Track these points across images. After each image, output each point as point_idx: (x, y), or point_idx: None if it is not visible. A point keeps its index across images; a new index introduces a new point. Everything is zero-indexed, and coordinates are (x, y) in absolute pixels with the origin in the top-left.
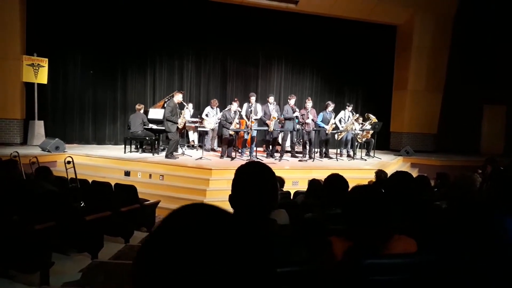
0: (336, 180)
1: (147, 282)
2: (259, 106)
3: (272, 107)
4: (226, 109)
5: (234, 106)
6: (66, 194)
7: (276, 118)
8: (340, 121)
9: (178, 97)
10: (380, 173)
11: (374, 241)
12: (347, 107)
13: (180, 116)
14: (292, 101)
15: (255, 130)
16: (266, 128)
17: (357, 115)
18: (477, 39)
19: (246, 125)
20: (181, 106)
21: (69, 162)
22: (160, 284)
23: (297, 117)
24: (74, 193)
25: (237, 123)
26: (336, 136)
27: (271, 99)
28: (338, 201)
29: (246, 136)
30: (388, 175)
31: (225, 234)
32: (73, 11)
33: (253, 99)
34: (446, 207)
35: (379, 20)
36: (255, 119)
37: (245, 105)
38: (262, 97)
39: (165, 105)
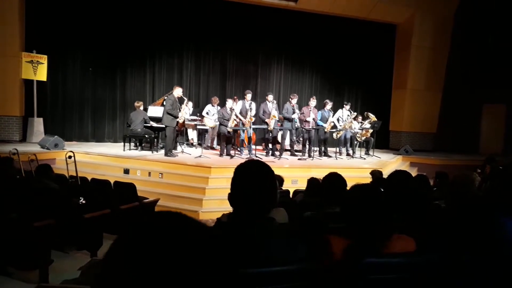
0: (334, 179)
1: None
2: (253, 104)
3: (271, 106)
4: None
5: (229, 103)
6: (66, 192)
7: (276, 117)
8: (338, 120)
9: (177, 91)
10: (375, 172)
11: (373, 240)
12: (344, 105)
13: (180, 110)
14: (294, 101)
15: (251, 128)
16: (264, 126)
17: (355, 113)
18: (476, 38)
19: (242, 123)
20: (181, 101)
21: (70, 157)
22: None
23: (298, 114)
24: (74, 189)
25: (235, 120)
26: (334, 135)
27: (270, 97)
28: (337, 200)
29: (242, 134)
30: (385, 174)
31: (187, 244)
32: (73, 8)
33: (248, 96)
34: (445, 206)
35: (379, 19)
36: (252, 117)
37: (240, 103)
38: (262, 95)
39: (165, 100)
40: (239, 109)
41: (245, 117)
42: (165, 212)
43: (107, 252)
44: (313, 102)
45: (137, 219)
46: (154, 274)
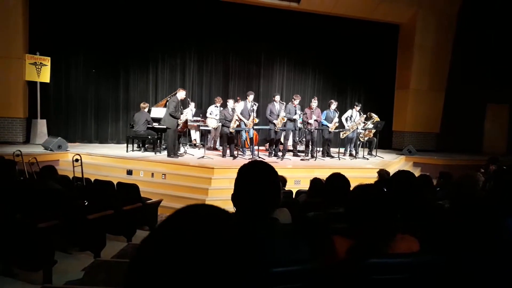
0: (337, 179)
1: (142, 279)
2: (255, 104)
3: (278, 107)
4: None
5: (230, 103)
6: (70, 193)
7: (286, 119)
8: (346, 119)
9: (181, 94)
10: (383, 172)
11: (377, 240)
12: (355, 106)
13: (182, 113)
14: (296, 101)
15: (253, 129)
16: (268, 127)
17: (364, 115)
18: (480, 38)
19: (245, 123)
20: (184, 103)
21: (77, 160)
22: (154, 282)
23: (299, 115)
24: (79, 192)
25: (237, 120)
26: (341, 134)
27: (277, 98)
28: (340, 200)
29: (243, 135)
30: (391, 174)
31: (222, 235)
32: (76, 10)
33: (251, 97)
34: (449, 206)
35: (382, 19)
36: (255, 118)
37: (242, 103)
38: (264, 96)
39: (168, 102)
40: (240, 109)
41: (246, 118)
42: (200, 206)
43: (139, 246)
44: (314, 103)
45: (174, 214)
46: (187, 269)
